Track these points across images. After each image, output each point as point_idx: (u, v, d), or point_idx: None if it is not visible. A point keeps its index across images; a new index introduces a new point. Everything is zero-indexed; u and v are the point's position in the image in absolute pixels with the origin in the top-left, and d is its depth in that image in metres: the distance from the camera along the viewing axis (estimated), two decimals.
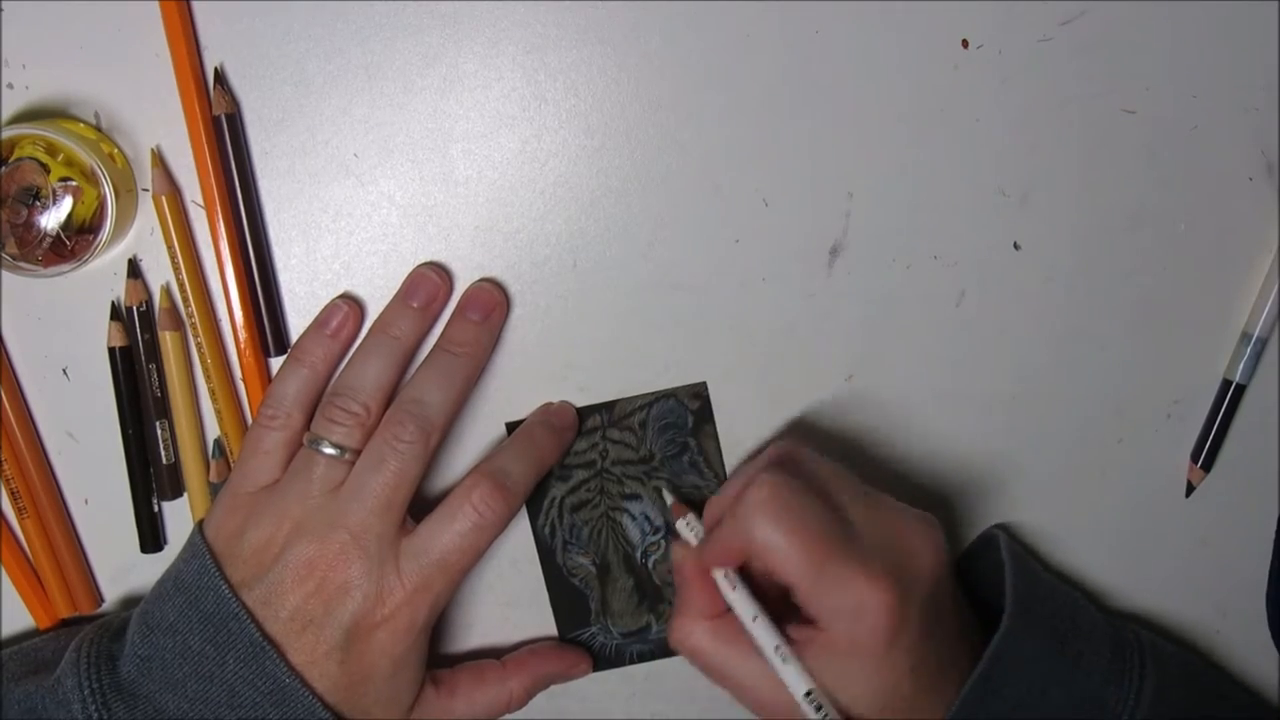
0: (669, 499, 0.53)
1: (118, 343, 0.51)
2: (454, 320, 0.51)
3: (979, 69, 0.50)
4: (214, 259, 0.51)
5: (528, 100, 0.51)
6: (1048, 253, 0.52)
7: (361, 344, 0.51)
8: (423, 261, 0.52)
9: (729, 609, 0.47)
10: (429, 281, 0.51)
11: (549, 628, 0.55)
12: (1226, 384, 0.53)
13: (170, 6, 0.48)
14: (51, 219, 0.48)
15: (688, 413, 0.53)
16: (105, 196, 0.48)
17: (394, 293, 0.51)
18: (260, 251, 0.51)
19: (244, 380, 0.52)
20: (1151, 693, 0.48)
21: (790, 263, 0.52)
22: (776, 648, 0.45)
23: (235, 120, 0.50)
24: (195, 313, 0.51)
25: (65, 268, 0.48)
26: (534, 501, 0.54)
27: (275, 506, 0.48)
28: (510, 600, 0.55)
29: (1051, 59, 0.50)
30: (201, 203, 0.50)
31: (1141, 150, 0.51)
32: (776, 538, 0.45)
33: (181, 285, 0.51)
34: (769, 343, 0.53)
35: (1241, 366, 0.52)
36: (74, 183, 0.47)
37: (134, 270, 0.51)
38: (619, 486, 0.54)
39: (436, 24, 0.50)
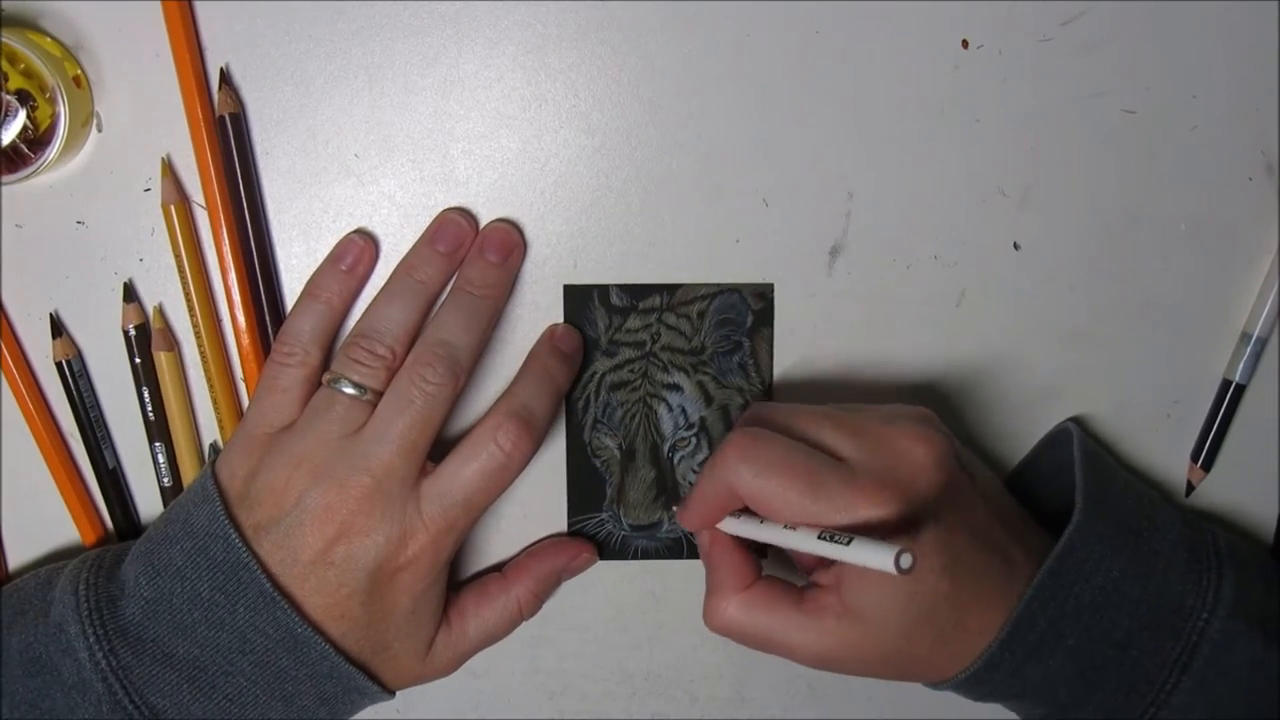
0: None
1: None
2: (474, 261, 0.50)
3: (979, 69, 0.51)
4: (215, 260, 0.51)
5: (528, 100, 0.51)
6: (1048, 253, 0.52)
7: (386, 286, 0.50)
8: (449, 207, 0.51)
9: (757, 579, 0.47)
10: (456, 226, 0.50)
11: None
12: (1226, 384, 0.53)
13: (172, 7, 0.48)
14: (4, 132, 0.47)
15: (749, 312, 0.52)
16: (59, 114, 0.47)
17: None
18: (264, 253, 0.51)
19: (245, 382, 0.52)
20: (1231, 593, 0.47)
21: (790, 263, 0.52)
22: (820, 535, 0.43)
23: (240, 120, 0.50)
24: (200, 321, 0.51)
25: (8, 178, 0.48)
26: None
27: (292, 448, 0.47)
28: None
29: (1051, 59, 0.50)
30: (203, 203, 0.51)
31: (1141, 150, 0.51)
32: (760, 483, 0.44)
33: (187, 293, 0.51)
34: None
35: (1241, 366, 0.52)
36: (31, 98, 0.46)
37: (130, 294, 0.51)
38: (663, 374, 0.53)
39: (437, 24, 0.50)
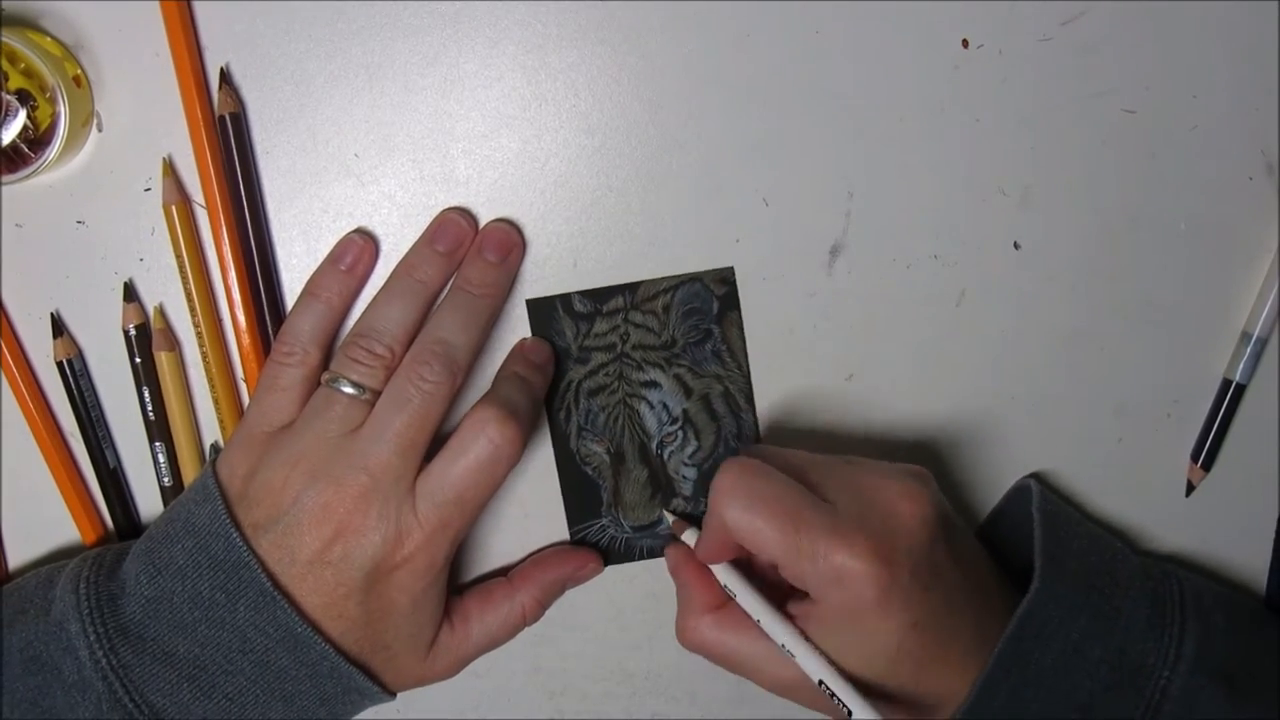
0: (669, 518, 0.53)
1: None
2: (473, 260, 0.50)
3: (979, 69, 0.51)
4: (215, 260, 0.51)
5: (528, 100, 0.51)
6: (1048, 253, 0.52)
7: (386, 285, 0.50)
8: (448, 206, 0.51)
9: (730, 599, 0.48)
10: (456, 226, 0.50)
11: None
12: (1226, 384, 0.53)
13: (170, 6, 0.48)
14: (5, 132, 0.47)
15: (713, 298, 0.52)
16: (59, 114, 0.47)
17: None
18: (264, 253, 0.51)
19: (246, 381, 0.52)
20: (1193, 649, 0.47)
21: (790, 263, 0.52)
22: (783, 645, 0.46)
23: (240, 120, 0.50)
24: (201, 321, 0.51)
25: (8, 178, 0.48)
26: (551, 385, 0.53)
27: (291, 447, 0.47)
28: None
29: (1051, 59, 0.50)
30: (203, 203, 0.51)
31: (1141, 150, 0.51)
32: (746, 517, 0.45)
33: (188, 293, 0.51)
34: (769, 342, 0.53)
35: (1241, 366, 0.52)
36: (32, 98, 0.46)
37: (130, 294, 0.51)
38: (638, 373, 0.52)
39: (437, 24, 0.50)
